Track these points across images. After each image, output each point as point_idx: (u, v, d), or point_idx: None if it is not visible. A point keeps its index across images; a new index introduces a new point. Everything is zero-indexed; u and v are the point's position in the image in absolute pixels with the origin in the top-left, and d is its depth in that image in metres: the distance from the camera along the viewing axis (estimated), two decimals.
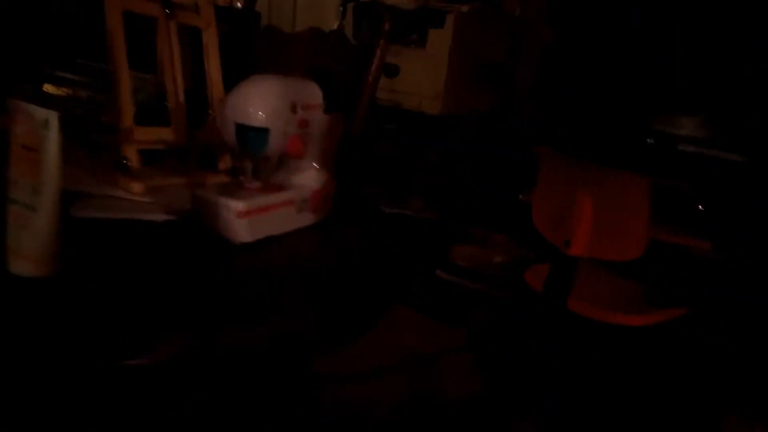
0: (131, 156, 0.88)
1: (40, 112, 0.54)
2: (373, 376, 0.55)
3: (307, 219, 0.88)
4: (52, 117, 0.54)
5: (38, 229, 0.55)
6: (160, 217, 0.81)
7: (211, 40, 1.04)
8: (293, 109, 0.81)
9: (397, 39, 2.08)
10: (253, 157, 0.81)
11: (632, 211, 0.69)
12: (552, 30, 1.71)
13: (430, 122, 1.68)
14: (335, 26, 2.59)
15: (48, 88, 1.24)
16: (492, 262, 0.87)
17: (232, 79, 0.96)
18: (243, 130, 0.77)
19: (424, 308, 0.70)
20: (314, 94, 0.87)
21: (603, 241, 0.86)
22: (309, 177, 0.89)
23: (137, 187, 0.86)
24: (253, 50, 1.28)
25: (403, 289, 0.76)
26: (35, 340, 0.50)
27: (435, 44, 2.02)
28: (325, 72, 1.33)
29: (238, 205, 0.75)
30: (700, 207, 1.06)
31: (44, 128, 0.54)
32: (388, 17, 1.49)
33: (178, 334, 0.54)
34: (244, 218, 0.76)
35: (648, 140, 1.33)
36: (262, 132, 0.77)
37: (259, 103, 0.77)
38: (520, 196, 1.24)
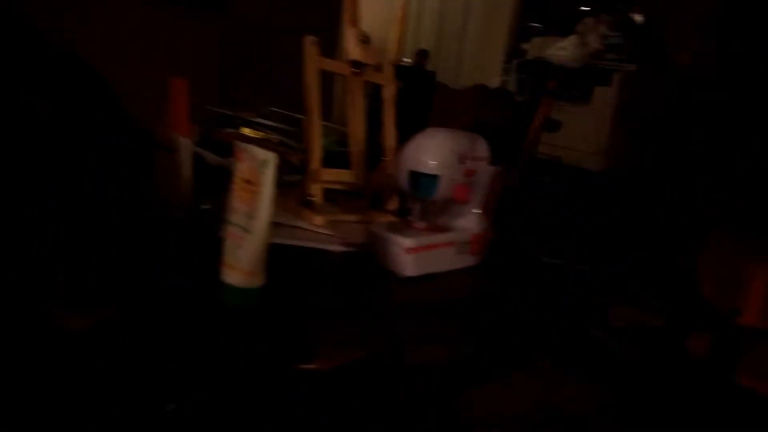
0: (316, 193, 1.01)
1: (262, 153, 0.66)
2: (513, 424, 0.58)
3: (465, 260, 0.94)
4: (272, 158, 0.65)
5: (250, 247, 0.66)
6: (337, 247, 0.92)
7: (389, 95, 1.16)
8: (462, 160, 0.89)
9: (560, 95, 2.12)
10: (422, 200, 0.90)
11: None
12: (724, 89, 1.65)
13: (588, 177, 1.69)
14: (498, 82, 2.67)
15: (245, 131, 1.43)
16: (649, 325, 0.87)
17: (404, 130, 1.07)
18: (416, 176, 0.86)
19: (570, 364, 0.72)
20: (481, 147, 0.94)
21: None
22: (470, 222, 0.95)
23: (319, 220, 0.97)
24: (427, 105, 1.38)
25: (551, 342, 0.79)
26: (237, 341, 0.60)
27: (599, 101, 2.03)
28: (490, 126, 1.40)
29: (406, 241, 0.84)
30: None
31: (263, 167, 0.66)
32: (553, 75, 1.54)
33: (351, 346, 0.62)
34: (411, 254, 0.84)
35: None
36: (433, 178, 0.86)
37: (431, 153, 0.86)
38: (680, 259, 1.21)
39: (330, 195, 1.08)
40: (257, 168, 0.66)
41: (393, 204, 1.11)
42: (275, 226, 0.95)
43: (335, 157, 1.17)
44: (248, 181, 0.67)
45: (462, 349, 0.70)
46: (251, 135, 1.43)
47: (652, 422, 0.62)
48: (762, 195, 1.26)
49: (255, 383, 0.54)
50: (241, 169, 0.67)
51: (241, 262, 0.66)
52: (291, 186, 1.13)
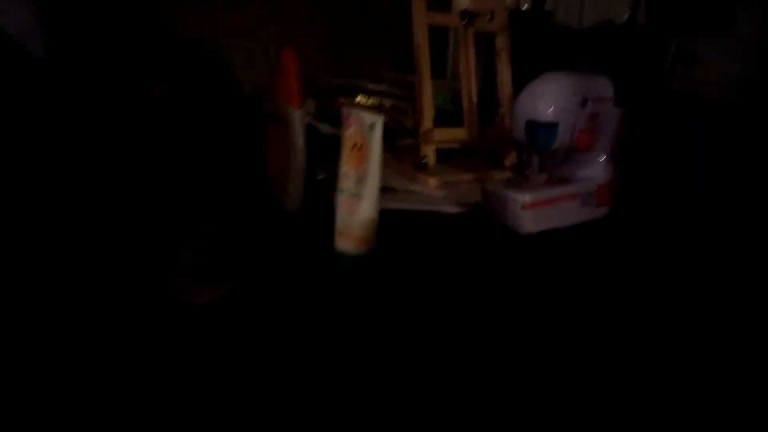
0: (430, 154, 0.98)
1: (368, 117, 0.65)
2: None
3: (592, 212, 0.88)
4: (378, 120, 0.64)
5: (362, 213, 0.66)
6: (453, 209, 0.89)
7: (503, 44, 1.10)
8: (583, 103, 0.82)
9: (697, 24, 1.92)
10: (541, 151, 0.85)
11: None
12: None
13: (731, 113, 1.52)
14: (626, 17, 2.47)
15: (360, 99, 1.43)
16: None
17: (522, 79, 1.01)
18: (533, 125, 0.81)
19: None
20: (604, 87, 0.87)
21: None
22: (596, 170, 0.89)
23: (433, 182, 0.95)
24: (543, 49, 1.30)
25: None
26: (353, 308, 0.60)
27: (742, 26, 1.81)
28: (617, 64, 1.30)
29: (524, 197, 0.80)
30: None
31: (371, 129, 0.65)
32: (687, 2, 1.40)
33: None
34: (529, 210, 0.80)
35: None
36: (552, 127, 0.80)
37: (548, 99, 0.80)
38: None
39: (449, 155, 1.06)
40: (365, 132, 0.65)
41: (512, 159, 1.06)
42: (390, 191, 0.95)
43: (449, 116, 1.14)
44: (357, 146, 0.66)
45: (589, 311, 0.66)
46: (364, 102, 1.42)
47: None
48: None
49: (374, 348, 0.54)
50: (350, 134, 0.67)
51: (354, 229, 0.66)
52: (406, 150, 1.11)
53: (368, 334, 0.56)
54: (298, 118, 0.77)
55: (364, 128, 0.65)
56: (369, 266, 0.67)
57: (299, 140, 0.77)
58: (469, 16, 1.02)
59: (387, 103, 1.40)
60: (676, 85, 1.70)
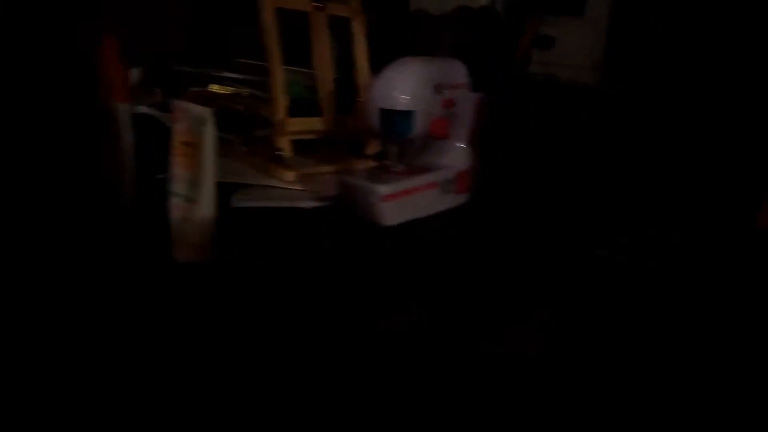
0: (284, 146, 0.92)
1: (197, 110, 0.58)
2: None
3: (452, 200, 0.86)
4: (208, 113, 0.57)
5: (198, 218, 0.59)
6: (310, 203, 0.84)
7: (359, 29, 1.05)
8: (438, 90, 0.80)
9: (552, 9, 1.98)
10: (398, 140, 0.81)
11: None
12: None
13: (586, 95, 1.58)
14: (485, 2, 2.52)
15: (214, 87, 1.34)
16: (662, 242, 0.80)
17: (383, 65, 0.97)
18: (387, 114, 0.78)
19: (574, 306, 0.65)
20: (459, 73, 0.85)
21: None
22: (455, 158, 0.87)
23: (290, 175, 0.90)
24: (401, 35, 1.28)
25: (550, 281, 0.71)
26: (198, 321, 0.54)
27: (594, 11, 1.89)
28: (474, 50, 1.30)
29: (381, 189, 0.76)
30: None
31: (201, 124, 0.58)
32: None
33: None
34: (388, 202, 0.76)
35: None
36: (407, 115, 0.77)
37: (402, 86, 0.77)
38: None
39: (309, 146, 1.00)
40: (195, 127, 0.58)
41: (373, 149, 1.03)
42: (244, 187, 0.88)
43: (308, 105, 1.08)
44: (188, 144, 0.59)
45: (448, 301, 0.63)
46: (220, 91, 1.33)
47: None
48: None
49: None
50: (180, 130, 0.59)
51: (189, 236, 0.59)
52: (262, 142, 1.05)
53: (186, 351, 0.49)
54: (123, 112, 0.68)
55: (194, 123, 0.58)
56: (204, 276, 0.60)
57: (126, 137, 0.69)
58: None
59: (245, 92, 1.32)
60: (534, 68, 1.74)
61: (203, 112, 0.57)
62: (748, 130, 1.07)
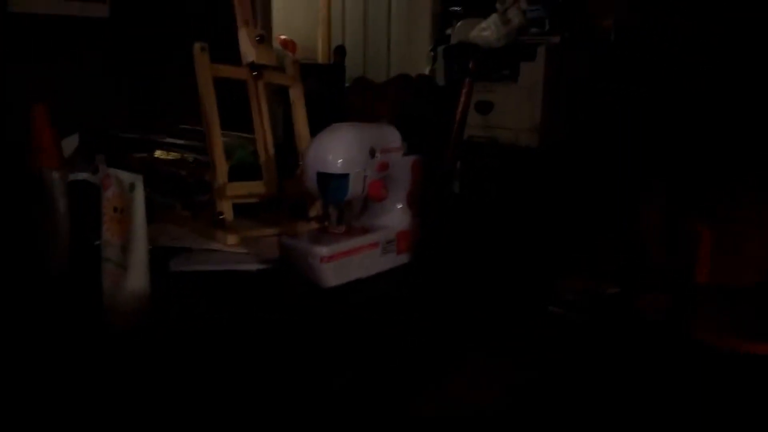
0: (226, 210, 0.93)
1: (127, 176, 0.58)
2: None
3: (393, 261, 0.87)
4: (137, 180, 0.58)
5: (129, 285, 0.58)
6: (253, 266, 0.84)
7: (297, 96, 1.08)
8: (372, 153, 0.82)
9: (489, 76, 2.07)
10: (336, 202, 0.83)
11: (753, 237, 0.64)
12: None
13: (524, 154, 1.64)
14: (426, 71, 2.62)
15: (158, 154, 1.34)
16: (602, 293, 0.82)
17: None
18: (323, 177, 0.79)
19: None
20: (393, 137, 0.88)
21: (724, 268, 0.81)
22: (394, 219, 0.89)
23: (231, 239, 0.90)
24: (339, 102, 1.32)
25: (493, 332, 0.73)
26: (128, 390, 0.52)
27: (527, 77, 1.99)
28: (412, 116, 1.34)
29: (321, 250, 0.77)
30: None
31: (131, 190, 0.58)
32: (473, 56, 1.49)
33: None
34: (328, 263, 0.77)
35: None
36: (342, 178, 0.79)
37: (336, 150, 0.79)
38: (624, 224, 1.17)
39: (252, 210, 1.01)
40: (126, 193, 0.58)
41: (317, 211, 1.04)
42: (187, 251, 0.88)
43: (252, 170, 1.09)
44: (118, 209, 0.59)
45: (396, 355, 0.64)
46: (164, 157, 1.33)
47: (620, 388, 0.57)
48: (692, 150, 1.23)
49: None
50: (109, 196, 0.59)
51: (121, 304, 0.58)
52: (205, 207, 1.05)
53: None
54: (56, 179, 0.68)
55: (125, 189, 0.58)
56: (138, 343, 0.59)
57: (60, 203, 0.68)
58: (256, 68, 1.00)
59: (189, 157, 1.32)
60: (475, 131, 1.80)
61: (133, 178, 0.58)
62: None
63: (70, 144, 1.07)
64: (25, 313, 0.64)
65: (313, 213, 1.04)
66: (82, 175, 1.00)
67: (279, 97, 1.19)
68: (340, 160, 0.78)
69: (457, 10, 2.59)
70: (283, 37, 3.15)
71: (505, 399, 0.54)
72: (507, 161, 1.81)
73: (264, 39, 1.01)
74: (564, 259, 0.95)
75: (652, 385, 0.57)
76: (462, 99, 1.28)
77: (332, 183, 0.79)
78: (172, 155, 1.34)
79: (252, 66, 1.00)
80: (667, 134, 1.30)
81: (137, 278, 0.58)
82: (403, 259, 0.89)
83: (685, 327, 0.73)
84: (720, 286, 0.80)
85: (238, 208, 0.96)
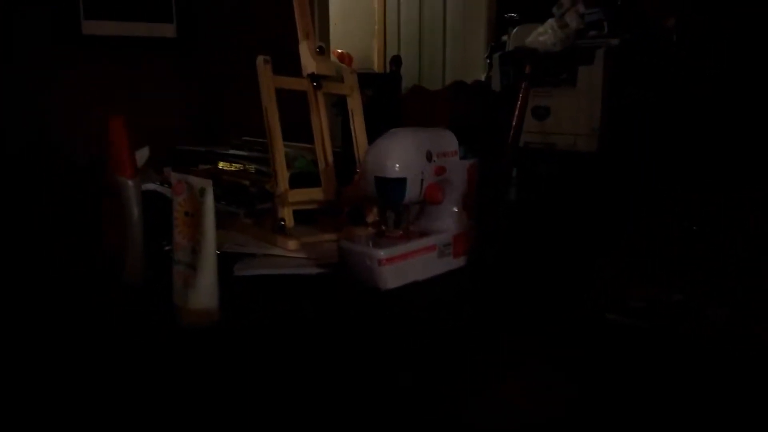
0: (287, 217, 0.96)
1: (198, 181, 0.61)
2: None
3: (450, 264, 0.88)
4: (208, 184, 0.61)
5: (200, 285, 0.61)
6: (314, 270, 0.87)
7: (355, 105, 1.11)
8: (429, 157, 0.84)
9: (546, 81, 2.05)
10: (393, 206, 0.85)
11: None
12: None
13: (582, 160, 1.62)
14: (482, 79, 2.62)
15: (222, 165, 1.40)
16: (669, 301, 0.80)
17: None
18: (381, 182, 0.81)
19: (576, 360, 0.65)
20: (449, 141, 0.89)
21: None
22: (450, 222, 0.90)
23: (292, 244, 0.93)
24: (396, 110, 1.34)
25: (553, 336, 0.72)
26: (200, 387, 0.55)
27: (585, 81, 1.96)
28: (468, 122, 1.35)
29: (379, 253, 0.78)
30: None
31: (201, 195, 0.61)
32: (529, 61, 1.49)
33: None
34: (386, 266, 0.79)
35: None
36: (400, 182, 0.81)
37: (394, 155, 0.81)
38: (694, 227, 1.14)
39: (312, 217, 1.04)
40: (196, 197, 0.62)
41: (373, 216, 1.06)
42: (250, 257, 0.91)
43: (311, 178, 1.12)
44: (189, 214, 0.62)
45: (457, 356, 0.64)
46: (227, 168, 1.39)
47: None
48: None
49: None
50: (180, 201, 0.63)
51: (191, 303, 0.61)
52: (266, 215, 1.08)
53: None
54: (131, 188, 0.72)
55: (195, 194, 0.61)
56: (210, 341, 0.62)
57: (134, 211, 0.72)
58: (316, 79, 1.03)
59: (251, 168, 1.37)
60: (531, 137, 1.78)
61: (203, 182, 0.61)
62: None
63: (141, 156, 1.13)
64: (104, 317, 0.68)
65: (370, 219, 1.06)
66: (153, 186, 1.06)
67: (338, 107, 1.22)
68: (397, 165, 0.80)
69: (513, 17, 2.59)
70: (339, 51, 3.22)
71: (560, 410, 0.53)
72: (565, 167, 1.79)
73: (323, 50, 1.04)
74: (626, 265, 0.93)
75: (718, 401, 0.56)
76: (519, 103, 1.27)
77: (390, 187, 0.81)
78: (234, 167, 1.40)
79: (312, 77, 1.03)
80: (738, 133, 1.25)
81: (206, 277, 0.61)
82: (459, 262, 0.90)
83: (750, 338, 0.70)
84: None
85: (298, 216, 0.99)
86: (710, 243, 0.95)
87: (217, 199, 0.62)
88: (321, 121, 1.06)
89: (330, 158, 1.04)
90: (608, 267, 0.95)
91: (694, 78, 1.42)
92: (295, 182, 1.01)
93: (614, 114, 1.92)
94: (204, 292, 0.61)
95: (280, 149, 0.97)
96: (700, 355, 0.64)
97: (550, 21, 2.22)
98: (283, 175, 0.97)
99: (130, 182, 0.73)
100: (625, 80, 2.00)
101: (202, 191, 0.61)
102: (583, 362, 0.64)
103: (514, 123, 1.32)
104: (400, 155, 0.81)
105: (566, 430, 0.52)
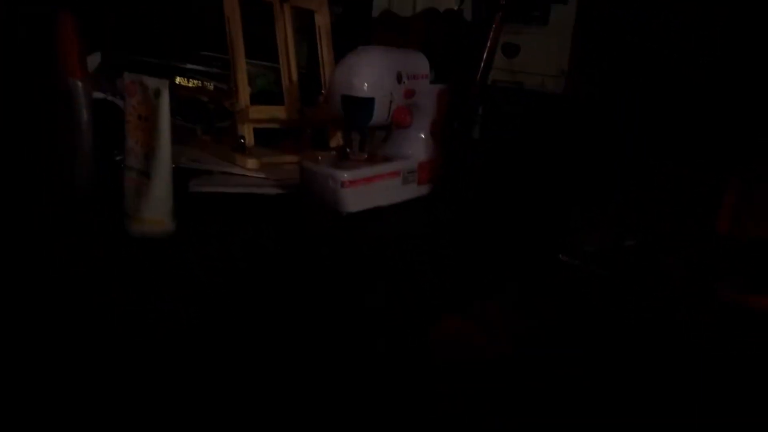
0: (247, 134, 0.92)
1: (153, 82, 0.57)
2: None
3: (413, 191, 0.87)
4: (163, 85, 0.57)
5: (153, 192, 0.58)
6: (272, 190, 0.84)
7: (323, 22, 1.06)
8: (399, 79, 0.80)
9: (517, 17, 2.00)
10: (359, 128, 0.82)
11: None
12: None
13: (552, 102, 1.60)
14: (455, 9, 2.55)
15: (179, 80, 1.32)
16: (623, 246, 0.81)
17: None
18: (348, 101, 0.78)
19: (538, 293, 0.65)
20: (421, 64, 0.86)
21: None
22: (416, 148, 0.88)
23: (252, 163, 0.89)
24: (365, 30, 1.29)
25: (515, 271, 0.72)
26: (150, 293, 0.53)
27: (557, 21, 1.92)
28: (439, 50, 1.31)
29: (342, 175, 0.76)
30: None
31: (156, 97, 0.57)
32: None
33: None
34: (349, 188, 0.76)
35: None
36: (367, 102, 0.77)
37: (363, 73, 0.77)
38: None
39: (273, 138, 1.00)
40: (151, 99, 0.57)
41: (337, 140, 1.03)
42: (206, 174, 0.88)
43: (273, 98, 1.08)
44: (143, 117, 0.58)
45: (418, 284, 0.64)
46: (184, 83, 1.32)
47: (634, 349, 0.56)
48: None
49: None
50: (133, 103, 0.59)
51: (144, 211, 0.58)
52: (226, 132, 1.04)
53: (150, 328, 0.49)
54: (80, 89, 0.67)
55: (150, 96, 0.57)
56: (163, 249, 0.59)
57: (82, 114, 0.67)
58: None
59: (209, 84, 1.31)
60: (500, 75, 1.76)
61: (158, 83, 0.57)
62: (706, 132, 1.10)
63: (92, 62, 1.06)
64: (49, 225, 0.64)
65: (334, 143, 1.03)
66: (104, 95, 1.00)
67: (302, 33, 1.16)
68: (366, 84, 0.77)
69: None
70: None
71: (510, 347, 0.53)
72: (531, 107, 1.76)
73: None
74: (583, 211, 0.93)
75: (666, 341, 0.56)
76: (491, 34, 1.24)
77: (357, 107, 0.78)
78: (192, 83, 1.33)
79: None
80: (695, 91, 1.25)
81: (160, 184, 0.58)
82: (423, 190, 0.89)
83: (707, 286, 0.70)
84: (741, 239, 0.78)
85: (259, 137, 0.95)
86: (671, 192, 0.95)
87: (173, 114, 0.58)
88: (286, 35, 1.00)
89: (294, 75, 1.00)
90: (567, 211, 0.95)
91: (686, 59, 1.39)
92: (256, 101, 0.97)
93: (585, 58, 1.89)
94: (157, 199, 0.58)
95: (242, 63, 0.92)
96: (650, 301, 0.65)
97: None
98: (245, 91, 0.92)
99: (79, 84, 0.68)
100: (601, 28, 1.95)
101: (157, 93, 0.57)
102: (536, 301, 0.64)
103: (484, 56, 1.28)
104: (370, 74, 0.78)
105: (515, 366, 0.52)
